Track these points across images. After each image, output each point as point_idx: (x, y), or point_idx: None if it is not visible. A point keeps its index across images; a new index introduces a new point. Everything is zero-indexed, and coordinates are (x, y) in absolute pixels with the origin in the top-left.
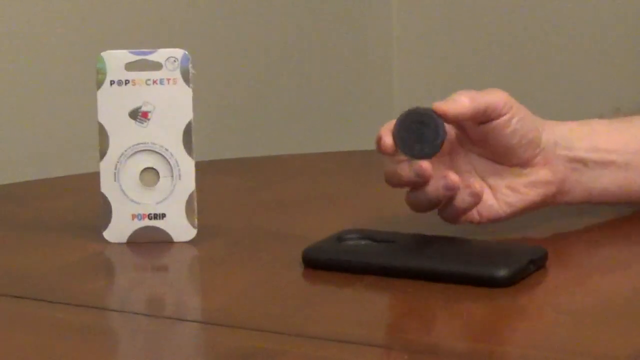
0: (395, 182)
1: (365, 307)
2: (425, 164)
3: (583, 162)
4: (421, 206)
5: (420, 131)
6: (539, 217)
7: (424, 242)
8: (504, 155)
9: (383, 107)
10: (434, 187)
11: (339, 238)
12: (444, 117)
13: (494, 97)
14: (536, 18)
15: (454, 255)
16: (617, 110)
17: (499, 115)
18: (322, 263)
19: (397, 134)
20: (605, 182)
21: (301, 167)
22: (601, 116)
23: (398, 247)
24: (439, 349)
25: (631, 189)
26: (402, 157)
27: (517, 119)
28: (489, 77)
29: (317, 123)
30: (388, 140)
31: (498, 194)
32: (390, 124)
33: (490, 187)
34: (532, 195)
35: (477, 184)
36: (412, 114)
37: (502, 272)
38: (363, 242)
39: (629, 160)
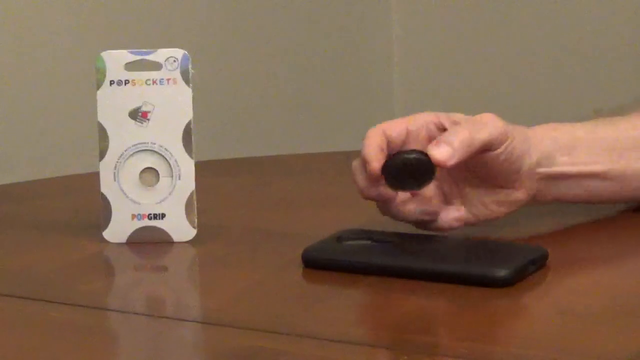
0: (363, 195)
1: (365, 307)
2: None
3: (561, 177)
4: (388, 214)
5: (410, 170)
6: (539, 216)
7: (424, 242)
8: (485, 178)
9: (383, 107)
10: (396, 208)
11: (339, 238)
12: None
13: (492, 132)
14: (536, 18)
15: (454, 255)
16: (599, 112)
17: (495, 149)
18: (322, 263)
19: (388, 173)
20: (578, 190)
21: (301, 167)
22: (587, 118)
23: (398, 247)
24: (439, 349)
25: (602, 195)
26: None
27: (510, 149)
28: (489, 77)
29: (317, 123)
30: (377, 166)
31: (466, 202)
32: (374, 138)
33: (460, 194)
34: (497, 212)
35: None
36: (407, 159)
37: (502, 272)
38: (363, 242)
39: (608, 169)
